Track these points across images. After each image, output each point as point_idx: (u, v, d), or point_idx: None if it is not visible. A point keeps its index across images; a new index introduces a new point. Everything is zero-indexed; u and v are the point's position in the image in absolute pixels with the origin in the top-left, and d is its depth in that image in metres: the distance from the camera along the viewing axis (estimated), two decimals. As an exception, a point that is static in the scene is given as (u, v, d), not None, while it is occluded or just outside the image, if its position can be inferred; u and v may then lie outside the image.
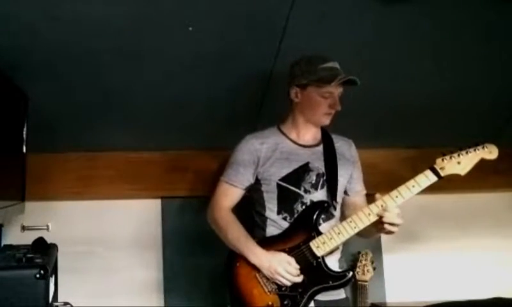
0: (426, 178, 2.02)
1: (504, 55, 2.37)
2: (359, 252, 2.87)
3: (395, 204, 2.00)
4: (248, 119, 2.67)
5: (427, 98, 2.60)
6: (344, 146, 2.26)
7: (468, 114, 2.68)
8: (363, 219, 2.02)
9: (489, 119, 2.71)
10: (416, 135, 2.85)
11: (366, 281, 2.82)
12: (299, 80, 2.12)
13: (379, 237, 2.93)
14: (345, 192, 2.26)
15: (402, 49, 2.30)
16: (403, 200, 2.00)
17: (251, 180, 2.18)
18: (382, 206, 2.00)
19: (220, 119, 2.65)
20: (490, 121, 2.71)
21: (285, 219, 2.12)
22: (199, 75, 2.36)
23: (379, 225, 2.01)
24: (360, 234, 2.16)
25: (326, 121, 2.16)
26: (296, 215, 2.11)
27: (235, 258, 2.08)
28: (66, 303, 1.92)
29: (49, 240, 2.09)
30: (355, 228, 2.02)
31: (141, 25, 2.03)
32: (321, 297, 2.06)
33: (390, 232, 2.02)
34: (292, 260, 2.01)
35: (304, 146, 2.20)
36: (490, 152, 2.05)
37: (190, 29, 2.06)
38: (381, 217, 1.99)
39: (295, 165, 2.14)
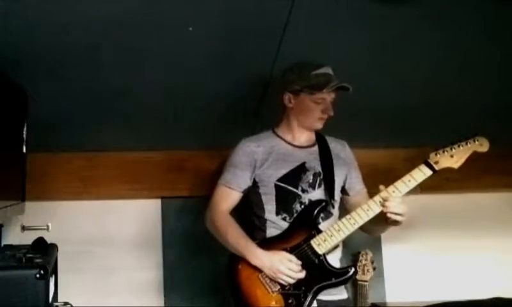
0: (421, 172, 2.05)
1: (504, 56, 2.37)
2: (359, 252, 2.87)
3: (399, 194, 2.01)
4: (247, 120, 2.67)
5: (426, 98, 2.60)
6: (338, 147, 2.28)
7: (467, 114, 2.68)
8: (362, 215, 2.03)
9: (489, 119, 2.70)
10: (415, 135, 2.85)
11: (366, 281, 2.82)
12: (292, 86, 2.15)
13: (379, 237, 2.94)
14: (346, 193, 2.28)
15: (401, 50, 2.30)
16: (400, 195, 2.02)
17: (249, 183, 2.19)
18: (380, 201, 2.02)
19: (220, 119, 2.65)
20: (490, 121, 2.71)
21: (284, 219, 2.13)
22: (199, 76, 2.36)
23: (385, 217, 2.01)
24: (368, 231, 2.20)
25: (319, 125, 2.20)
26: (295, 215, 2.12)
27: (237, 260, 2.08)
28: (66, 303, 1.92)
29: (49, 240, 2.09)
30: (354, 224, 2.03)
31: (141, 25, 2.03)
32: (323, 296, 2.07)
33: (395, 222, 2.01)
34: (293, 257, 2.02)
35: (299, 147, 2.22)
36: (481, 145, 2.09)
37: (190, 29, 2.06)
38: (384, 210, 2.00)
39: (292, 166, 2.16)
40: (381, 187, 2.04)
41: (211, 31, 2.12)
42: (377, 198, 2.03)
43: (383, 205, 2.00)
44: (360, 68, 2.36)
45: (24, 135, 2.28)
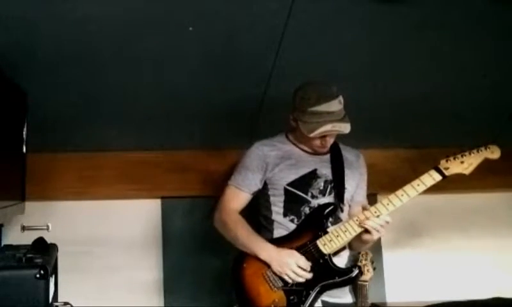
0: (431, 177, 2.07)
1: (503, 55, 2.38)
2: (359, 253, 2.86)
3: (407, 198, 2.04)
4: (248, 120, 2.67)
5: (426, 99, 2.60)
6: (352, 157, 2.27)
7: (467, 114, 2.69)
8: (369, 217, 2.03)
9: (489, 119, 2.71)
10: (416, 135, 2.85)
11: (366, 281, 2.81)
12: (293, 113, 2.13)
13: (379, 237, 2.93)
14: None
15: (401, 49, 2.30)
16: (408, 198, 2.04)
17: (259, 185, 2.20)
18: (388, 204, 2.02)
19: (220, 119, 2.65)
20: (489, 121, 2.71)
21: (292, 221, 2.13)
22: (199, 76, 2.36)
23: (362, 235, 2.04)
24: (352, 248, 2.22)
25: (321, 150, 2.18)
26: (303, 217, 2.12)
27: (243, 259, 2.09)
28: (66, 303, 1.92)
29: (49, 240, 2.09)
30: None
31: (142, 26, 2.03)
32: (329, 298, 2.07)
33: (368, 240, 2.05)
34: (302, 257, 2.02)
35: (312, 154, 2.21)
36: (493, 152, 2.12)
37: (190, 29, 2.06)
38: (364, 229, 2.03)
39: (303, 172, 2.16)
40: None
41: (211, 32, 2.12)
42: (385, 201, 2.04)
43: (360, 223, 2.02)
44: (360, 68, 2.36)
45: (24, 135, 2.28)
